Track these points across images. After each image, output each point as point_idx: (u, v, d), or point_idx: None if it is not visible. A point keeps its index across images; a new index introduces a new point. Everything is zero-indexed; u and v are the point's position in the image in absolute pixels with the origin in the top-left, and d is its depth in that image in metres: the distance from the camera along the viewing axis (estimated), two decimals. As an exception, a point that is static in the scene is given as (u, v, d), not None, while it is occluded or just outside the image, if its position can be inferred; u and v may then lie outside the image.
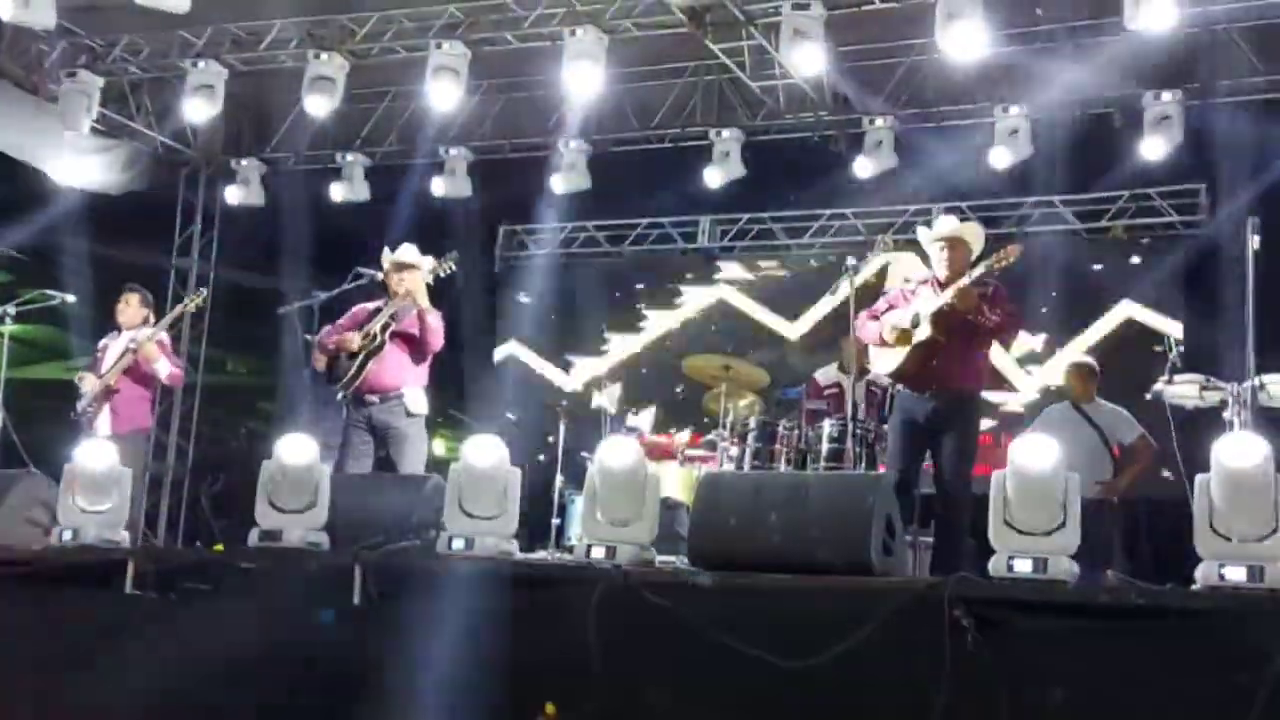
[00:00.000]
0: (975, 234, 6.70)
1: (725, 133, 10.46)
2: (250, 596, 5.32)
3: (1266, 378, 5.88)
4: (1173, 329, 10.18)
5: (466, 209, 11.34)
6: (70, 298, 8.20)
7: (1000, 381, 10.38)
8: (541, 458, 10.40)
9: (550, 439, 10.28)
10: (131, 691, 5.15)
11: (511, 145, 11.22)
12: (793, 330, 11.71)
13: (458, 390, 11.73)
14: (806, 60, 8.69)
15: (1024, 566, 4.47)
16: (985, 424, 8.00)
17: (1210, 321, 8.67)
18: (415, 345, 7.34)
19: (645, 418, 11.49)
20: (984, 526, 4.68)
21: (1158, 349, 9.64)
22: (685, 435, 10.15)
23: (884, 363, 6.65)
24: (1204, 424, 6.24)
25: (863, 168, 10.15)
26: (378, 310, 7.39)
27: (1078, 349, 10.43)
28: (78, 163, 10.84)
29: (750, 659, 4.43)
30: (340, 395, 7.31)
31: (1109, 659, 4.17)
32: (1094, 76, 9.49)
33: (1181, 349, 8.39)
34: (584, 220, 12.28)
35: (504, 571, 5.14)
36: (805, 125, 10.51)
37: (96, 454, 6.04)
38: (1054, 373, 10.33)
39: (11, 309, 7.88)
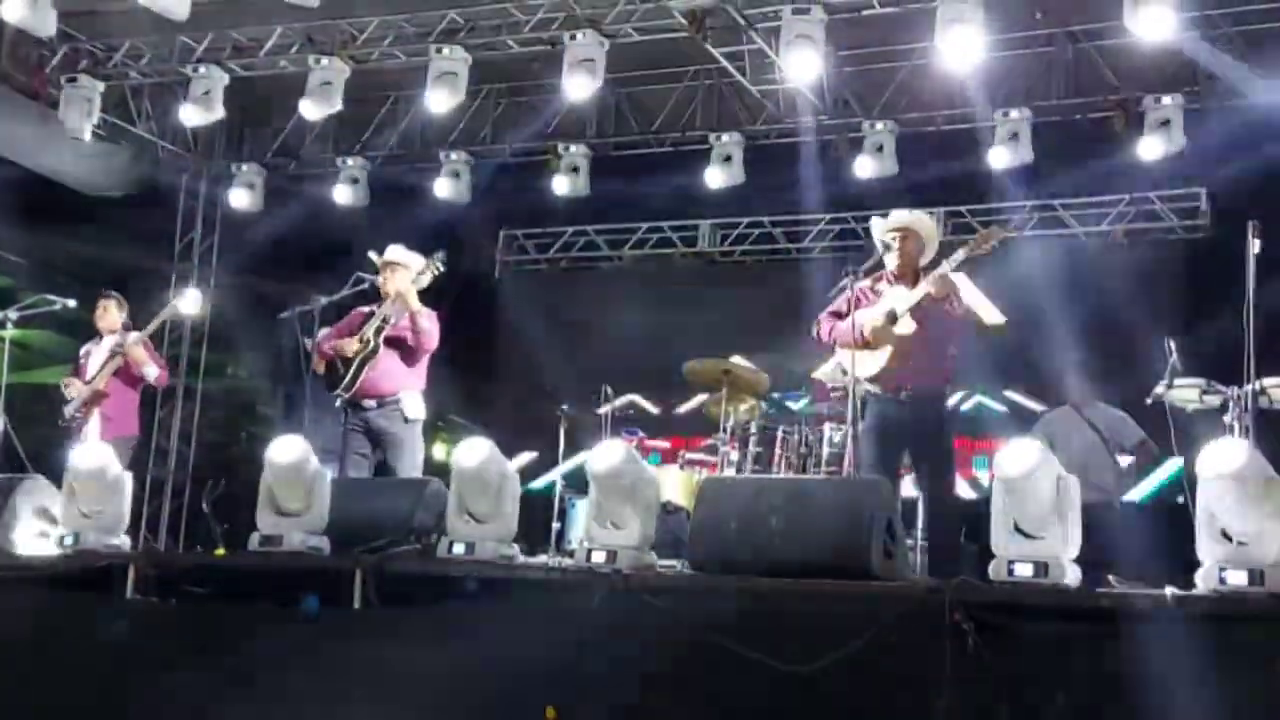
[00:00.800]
0: (928, 225, 6.63)
1: (725, 136, 10.46)
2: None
3: (1267, 381, 5.88)
4: (1173, 332, 10.15)
5: (467, 213, 11.35)
6: (71, 303, 8.21)
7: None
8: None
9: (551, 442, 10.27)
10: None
11: (511, 149, 11.23)
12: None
13: (458, 394, 11.72)
14: (807, 64, 8.69)
15: (1025, 570, 4.48)
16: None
17: (1210, 325, 8.66)
18: (409, 348, 7.30)
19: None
20: (983, 530, 4.68)
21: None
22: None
23: (863, 366, 6.36)
24: (1205, 428, 6.23)
25: (863, 171, 10.15)
26: (372, 314, 7.38)
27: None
28: (79, 167, 10.85)
29: (751, 663, 4.44)
30: (338, 401, 7.31)
31: (1110, 663, 4.17)
32: (1094, 80, 9.50)
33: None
34: (584, 224, 12.29)
35: (504, 575, 5.15)
36: (805, 129, 10.51)
37: (95, 458, 6.05)
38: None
39: (12, 314, 7.89)
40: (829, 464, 7.96)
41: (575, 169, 10.86)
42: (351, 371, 7.20)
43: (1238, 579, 4.20)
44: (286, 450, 5.62)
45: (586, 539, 5.26)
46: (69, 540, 5.92)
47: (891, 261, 6.52)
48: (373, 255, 7.41)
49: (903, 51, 9.88)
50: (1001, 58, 9.51)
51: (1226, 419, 5.99)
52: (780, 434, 8.18)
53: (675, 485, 8.36)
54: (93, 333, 8.38)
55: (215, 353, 12.37)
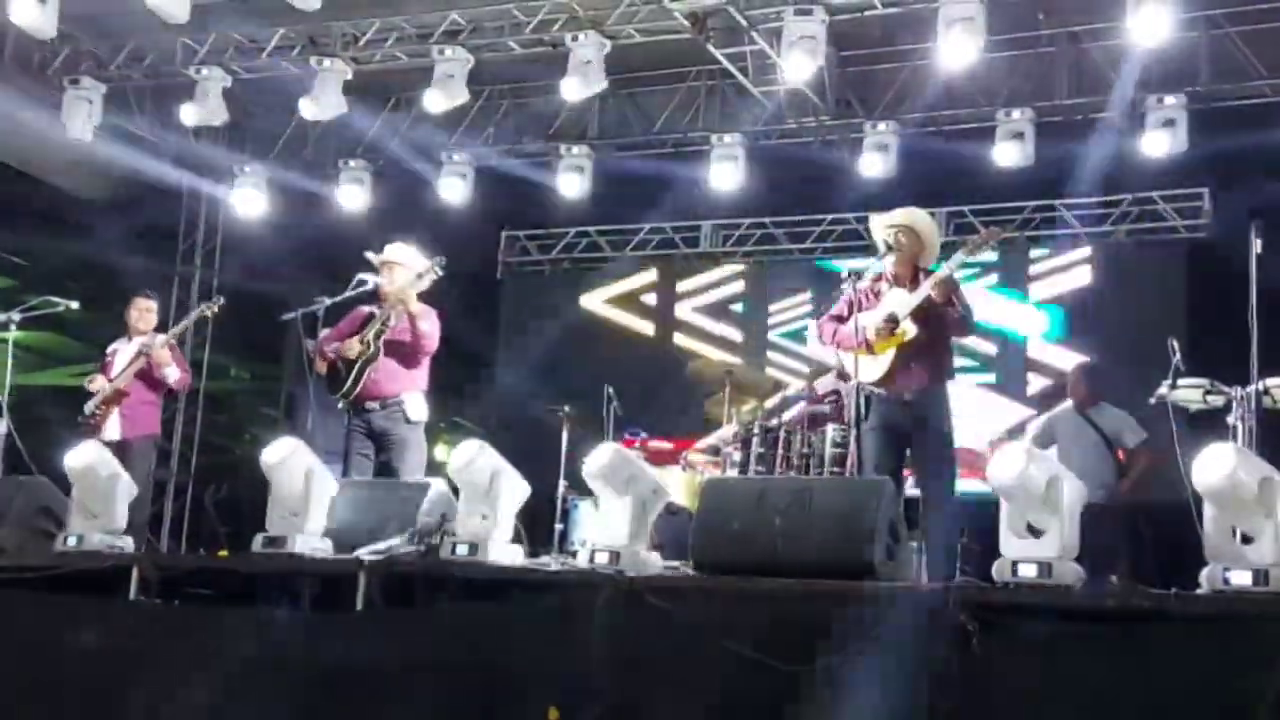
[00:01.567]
0: (926, 222, 6.62)
1: (728, 137, 10.47)
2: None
3: (1270, 381, 5.87)
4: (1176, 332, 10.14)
5: (469, 214, 11.35)
6: (74, 304, 8.21)
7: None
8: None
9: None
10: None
11: (514, 151, 11.24)
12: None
13: (460, 395, 11.74)
14: (808, 65, 8.69)
15: (1028, 571, 4.46)
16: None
17: (1214, 324, 8.66)
18: (409, 351, 7.26)
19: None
20: (987, 530, 4.68)
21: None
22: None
23: (866, 370, 6.35)
24: (1208, 428, 6.22)
25: (865, 171, 10.15)
26: (373, 314, 7.36)
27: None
28: (81, 169, 10.86)
29: (753, 663, 4.43)
30: (340, 403, 7.31)
31: (1114, 664, 4.16)
32: (1096, 80, 9.49)
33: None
34: (586, 225, 12.30)
35: (507, 576, 5.15)
36: (808, 130, 10.51)
37: (97, 459, 6.05)
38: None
39: (15, 315, 7.90)
40: (832, 465, 7.94)
41: (579, 169, 10.87)
42: (353, 375, 7.19)
43: (1241, 579, 4.19)
44: (280, 451, 5.65)
45: (590, 540, 5.27)
46: (72, 541, 5.92)
47: (891, 261, 6.51)
48: (370, 255, 7.39)
49: (905, 52, 9.89)
50: (1003, 58, 9.52)
51: (1230, 419, 5.98)
52: (783, 434, 8.17)
53: (678, 486, 8.35)
54: (96, 335, 8.37)
55: (218, 354, 12.38)
